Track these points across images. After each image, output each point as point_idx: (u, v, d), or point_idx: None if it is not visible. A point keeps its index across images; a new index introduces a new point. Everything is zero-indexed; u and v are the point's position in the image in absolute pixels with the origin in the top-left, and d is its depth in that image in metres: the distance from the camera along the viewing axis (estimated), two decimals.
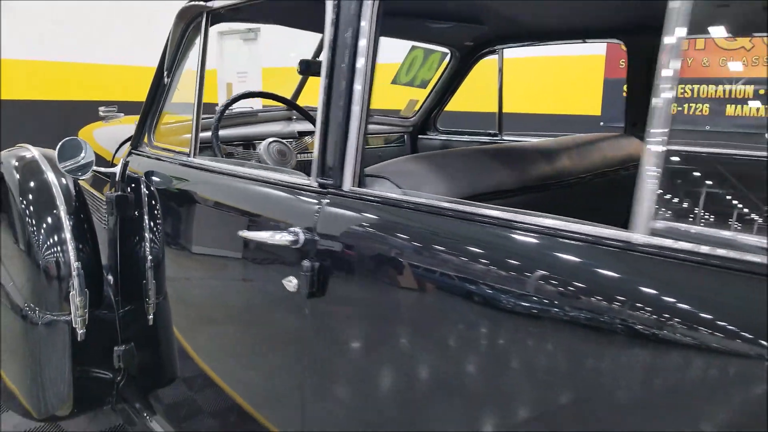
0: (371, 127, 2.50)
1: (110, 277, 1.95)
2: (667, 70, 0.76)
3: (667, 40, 0.76)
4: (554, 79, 5.22)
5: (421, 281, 1.01)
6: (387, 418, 1.10)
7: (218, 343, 1.58)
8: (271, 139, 1.96)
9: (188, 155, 1.61)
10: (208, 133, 1.81)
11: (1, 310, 1.95)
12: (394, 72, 2.53)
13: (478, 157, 1.44)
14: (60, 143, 1.78)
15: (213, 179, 1.52)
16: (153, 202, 1.72)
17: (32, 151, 2.04)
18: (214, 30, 1.92)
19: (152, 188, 1.72)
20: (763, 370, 0.65)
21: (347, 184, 1.15)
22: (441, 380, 1.00)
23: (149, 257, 1.72)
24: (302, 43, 2.73)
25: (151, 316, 1.75)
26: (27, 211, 1.88)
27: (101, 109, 2.68)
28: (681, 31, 0.75)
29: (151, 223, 1.73)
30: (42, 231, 1.86)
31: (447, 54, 2.50)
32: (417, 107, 2.71)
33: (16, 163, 1.98)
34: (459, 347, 0.96)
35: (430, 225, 1.03)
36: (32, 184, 1.92)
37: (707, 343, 0.70)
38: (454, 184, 1.22)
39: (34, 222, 1.86)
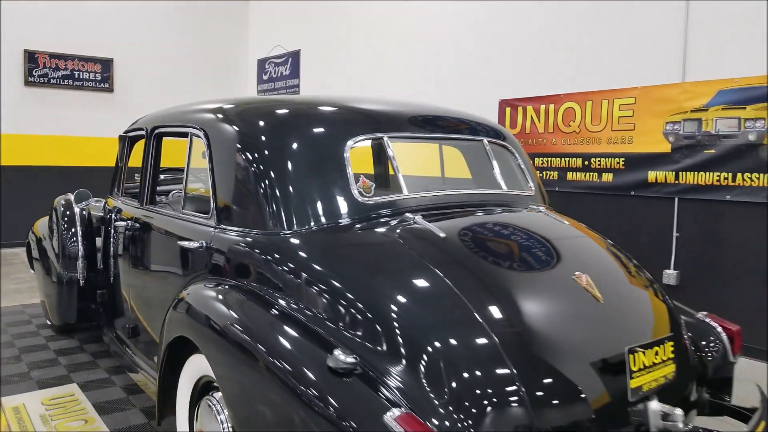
0: None
1: (100, 258, 3.96)
2: None
3: None
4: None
5: (145, 235, 2.89)
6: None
7: (130, 285, 3.49)
8: (176, 191, 3.91)
9: (120, 197, 3.59)
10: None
11: (53, 274, 4.01)
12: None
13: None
14: (75, 192, 3.86)
15: (122, 206, 3.48)
16: (115, 221, 3.70)
17: (71, 196, 4.13)
18: None
19: (114, 214, 3.70)
20: None
21: (144, 204, 3.06)
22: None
23: (111, 248, 3.68)
24: None
25: (111, 278, 3.70)
26: (63, 227, 3.95)
27: (135, 175, 4.81)
28: None
29: (113, 232, 3.70)
30: (68, 236, 3.91)
31: None
32: None
33: (62, 202, 4.09)
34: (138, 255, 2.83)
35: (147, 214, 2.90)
36: (67, 212, 4.00)
37: None
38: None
39: (64, 231, 3.92)
